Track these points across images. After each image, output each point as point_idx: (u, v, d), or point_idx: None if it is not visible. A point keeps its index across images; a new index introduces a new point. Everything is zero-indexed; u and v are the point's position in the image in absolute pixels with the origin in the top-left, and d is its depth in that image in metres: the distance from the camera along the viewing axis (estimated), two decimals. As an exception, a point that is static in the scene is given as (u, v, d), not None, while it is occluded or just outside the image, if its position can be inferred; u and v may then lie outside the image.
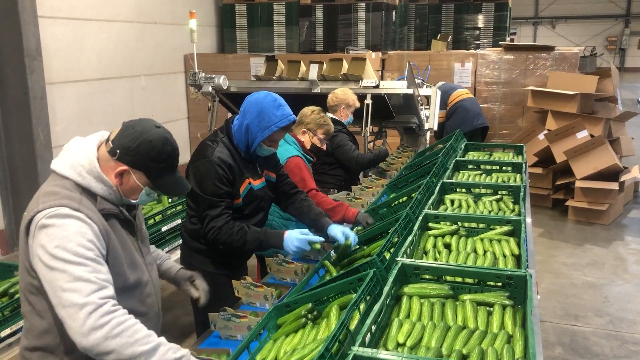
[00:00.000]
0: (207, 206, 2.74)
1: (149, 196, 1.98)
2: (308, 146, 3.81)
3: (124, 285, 1.92)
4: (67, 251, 1.71)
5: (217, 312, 2.25)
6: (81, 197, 1.84)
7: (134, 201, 1.96)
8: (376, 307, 1.91)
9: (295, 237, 2.70)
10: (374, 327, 1.85)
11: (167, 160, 1.91)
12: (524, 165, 4.03)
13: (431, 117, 5.45)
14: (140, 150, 1.86)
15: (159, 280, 2.24)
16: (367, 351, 1.64)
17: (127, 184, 1.91)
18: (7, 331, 2.57)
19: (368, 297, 2.07)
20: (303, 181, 3.44)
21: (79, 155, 1.87)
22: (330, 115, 4.38)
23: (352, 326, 1.89)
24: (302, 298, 2.28)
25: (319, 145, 3.87)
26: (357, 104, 4.69)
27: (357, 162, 4.45)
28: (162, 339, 1.78)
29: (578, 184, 6.86)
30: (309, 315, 2.17)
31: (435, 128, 5.50)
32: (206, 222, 2.76)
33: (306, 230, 2.76)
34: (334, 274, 2.64)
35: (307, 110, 3.88)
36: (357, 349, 1.65)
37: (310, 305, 2.20)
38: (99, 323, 1.65)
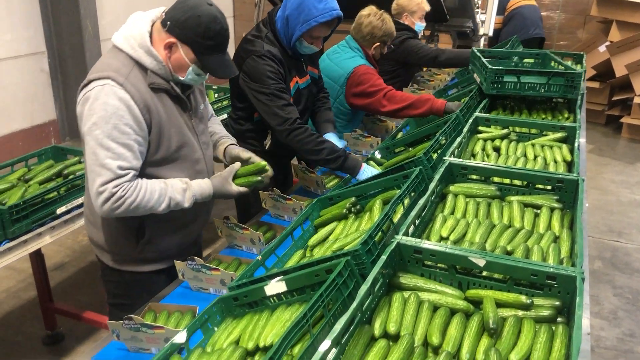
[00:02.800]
0: (273, 104, 2.58)
1: (198, 76, 1.97)
2: (371, 52, 3.51)
3: (170, 159, 2.01)
4: (100, 131, 1.81)
5: (185, 261, 1.99)
6: (131, 70, 1.88)
7: (182, 78, 1.96)
8: (421, 202, 1.91)
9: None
10: (417, 221, 1.85)
11: (214, 38, 1.88)
12: (582, 74, 3.83)
13: (487, 22, 5.19)
14: (188, 23, 1.85)
15: (213, 163, 2.29)
16: (411, 240, 1.65)
17: (175, 58, 1.92)
18: (63, 209, 2.70)
19: (412, 194, 2.06)
20: (376, 86, 3.27)
21: (133, 28, 1.91)
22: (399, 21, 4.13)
23: (395, 219, 1.90)
24: (346, 192, 2.29)
25: (379, 51, 3.56)
26: (426, 8, 4.25)
27: (436, 58, 4.10)
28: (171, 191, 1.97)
29: (637, 100, 6.54)
30: (352, 209, 2.19)
31: (490, 34, 5.25)
32: (277, 123, 2.60)
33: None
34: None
35: (364, 11, 3.53)
36: (400, 238, 1.66)
37: (353, 199, 2.21)
38: (113, 207, 1.86)
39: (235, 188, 2.12)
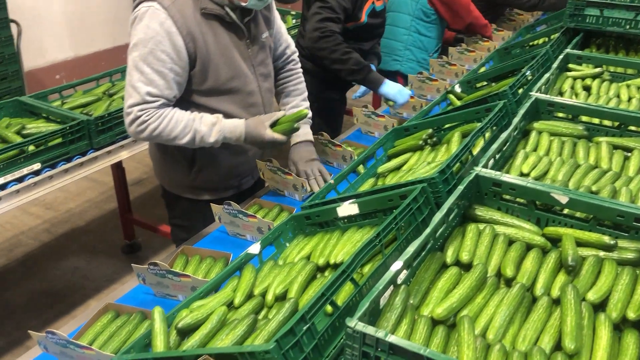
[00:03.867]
0: (321, 11, 2.62)
1: (259, 0, 1.88)
2: None
3: (220, 90, 1.96)
4: (138, 54, 1.81)
5: (222, 205, 1.89)
6: None
7: (244, 4, 1.87)
8: (503, 136, 1.83)
9: (396, 86, 2.64)
10: (497, 156, 1.79)
11: None
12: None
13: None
14: None
15: (272, 96, 2.21)
16: (490, 172, 1.60)
17: None
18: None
19: (494, 128, 1.98)
20: (478, 18, 3.31)
21: None
22: None
23: (475, 152, 1.84)
24: (423, 123, 2.24)
25: None
26: None
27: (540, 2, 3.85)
28: (198, 124, 1.91)
29: None
30: (429, 140, 2.14)
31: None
32: (313, 26, 2.63)
33: None
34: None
35: None
36: (479, 170, 1.61)
37: (430, 130, 2.16)
38: (137, 130, 1.87)
39: (269, 133, 1.93)
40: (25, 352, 1.51)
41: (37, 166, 2.36)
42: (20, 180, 2.32)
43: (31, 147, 2.36)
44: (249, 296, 1.45)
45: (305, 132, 2.24)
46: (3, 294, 3.30)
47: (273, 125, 1.96)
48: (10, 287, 3.36)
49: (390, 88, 2.72)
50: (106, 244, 3.76)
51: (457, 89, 2.81)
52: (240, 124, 1.94)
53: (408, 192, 1.53)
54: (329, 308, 1.26)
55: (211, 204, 1.92)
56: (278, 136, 1.94)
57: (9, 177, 2.27)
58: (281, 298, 1.42)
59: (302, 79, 2.35)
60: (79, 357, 1.38)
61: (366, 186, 2.04)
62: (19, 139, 2.40)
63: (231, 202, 1.85)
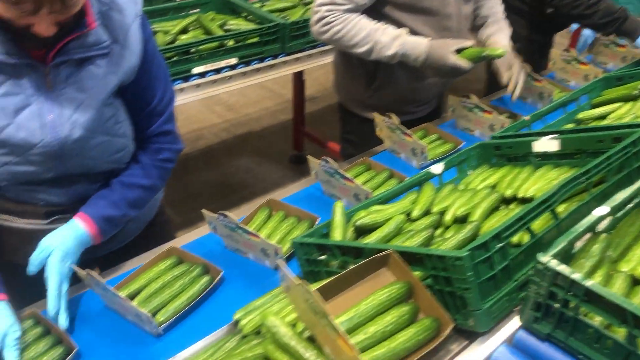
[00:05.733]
0: None
1: None
2: None
3: (415, 6, 1.85)
4: None
5: (320, 160, 1.65)
6: None
7: None
8: None
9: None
10: None
11: None
12: None
13: None
14: None
15: (468, 23, 2.06)
16: None
17: None
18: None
19: None
20: None
21: None
22: None
23: None
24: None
25: None
26: None
27: None
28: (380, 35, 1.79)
29: None
30: (646, 90, 1.88)
31: None
32: None
33: None
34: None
35: None
36: None
37: (651, 79, 1.90)
38: (320, 30, 1.83)
39: (453, 57, 1.75)
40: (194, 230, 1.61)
41: (234, 60, 2.48)
42: (217, 71, 2.46)
43: (230, 42, 2.49)
44: (426, 212, 1.41)
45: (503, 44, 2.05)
46: (184, 178, 3.63)
47: (458, 52, 1.80)
48: (191, 173, 3.69)
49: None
50: (276, 151, 3.95)
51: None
52: (423, 42, 1.81)
53: (624, 135, 1.36)
54: (520, 238, 1.17)
55: (309, 157, 1.72)
56: (463, 63, 1.76)
57: (209, 67, 2.43)
58: (460, 221, 1.36)
59: (504, 13, 2.16)
60: (244, 243, 1.41)
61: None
62: (221, 33, 2.54)
63: (329, 158, 1.61)
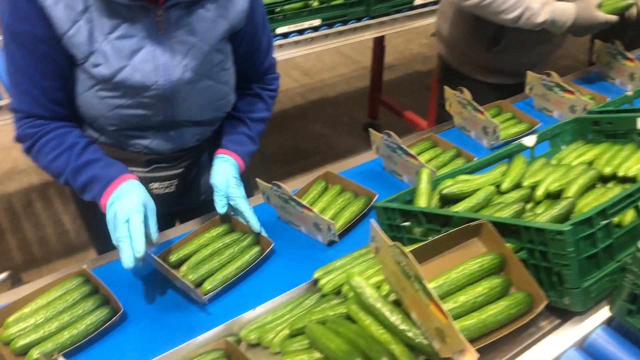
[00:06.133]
0: None
1: None
2: None
3: None
4: None
5: (381, 135, 1.54)
6: None
7: None
8: None
9: None
10: None
11: None
12: None
13: None
14: None
15: None
16: None
17: None
18: (420, 0, 2.70)
19: None
20: None
21: None
22: None
23: None
24: None
25: None
26: None
27: None
28: None
29: None
30: None
31: None
32: None
33: None
34: None
35: None
36: None
37: None
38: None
39: (601, 14, 1.81)
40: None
41: (317, 22, 2.45)
42: (300, 32, 2.44)
43: (315, 3, 2.45)
44: (517, 186, 1.34)
45: None
46: (257, 140, 3.67)
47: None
48: (263, 137, 3.71)
49: None
50: (350, 119, 3.91)
51: None
52: (570, 8, 1.81)
53: None
54: (622, 219, 1.10)
55: (370, 130, 1.62)
56: (610, 17, 1.82)
57: (292, 28, 2.40)
58: (553, 196, 1.29)
59: None
60: (297, 216, 1.35)
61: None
62: (304, -6, 2.51)
63: (391, 132, 1.50)
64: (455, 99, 1.76)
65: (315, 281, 1.18)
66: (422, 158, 1.55)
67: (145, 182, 1.33)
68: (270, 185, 1.33)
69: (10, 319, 1.10)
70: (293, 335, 1.04)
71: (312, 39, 2.47)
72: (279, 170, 3.37)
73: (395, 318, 0.89)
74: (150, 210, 1.15)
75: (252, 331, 1.07)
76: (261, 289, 1.22)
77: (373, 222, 0.89)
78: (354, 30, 2.60)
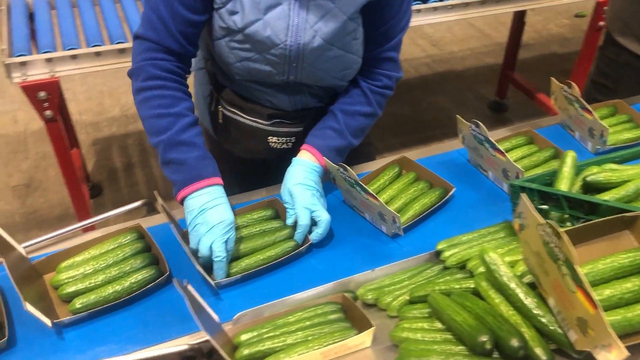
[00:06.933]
0: None
1: None
2: None
3: None
4: None
5: (468, 124, 1.40)
6: None
7: None
8: None
9: None
10: None
11: None
12: None
13: None
14: None
15: None
16: None
17: None
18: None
19: None
20: None
21: None
22: None
23: None
24: None
25: None
26: None
27: None
28: None
29: None
30: None
31: None
32: None
33: None
34: None
35: None
36: None
37: None
38: None
39: None
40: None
41: (461, -11, 2.35)
42: (440, -1, 2.36)
43: (460, -30, 2.34)
44: (673, 182, 1.22)
45: None
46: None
47: None
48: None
49: None
50: (475, 95, 3.77)
51: None
52: None
53: None
54: None
55: (457, 116, 1.46)
56: None
57: (433, -6, 2.33)
58: None
59: None
60: (362, 202, 1.26)
61: None
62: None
63: (479, 123, 1.33)
64: (562, 93, 1.53)
65: (437, 253, 1.15)
66: (514, 155, 1.41)
67: (264, 134, 1.35)
68: (337, 167, 1.24)
69: (63, 264, 1.11)
70: (413, 302, 1.03)
71: (452, 7, 2.38)
72: (393, 140, 3.33)
73: (529, 301, 0.85)
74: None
75: (370, 291, 1.07)
76: (309, 274, 1.15)
77: (524, 197, 0.84)
78: (497, 1, 2.47)
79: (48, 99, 1.94)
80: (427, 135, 3.39)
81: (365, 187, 1.20)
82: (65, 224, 1.97)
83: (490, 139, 1.31)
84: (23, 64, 1.88)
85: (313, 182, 1.24)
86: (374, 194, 1.19)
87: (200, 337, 0.96)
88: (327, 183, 1.35)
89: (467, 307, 0.91)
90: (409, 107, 3.65)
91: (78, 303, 1.03)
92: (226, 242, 1.10)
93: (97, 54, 1.96)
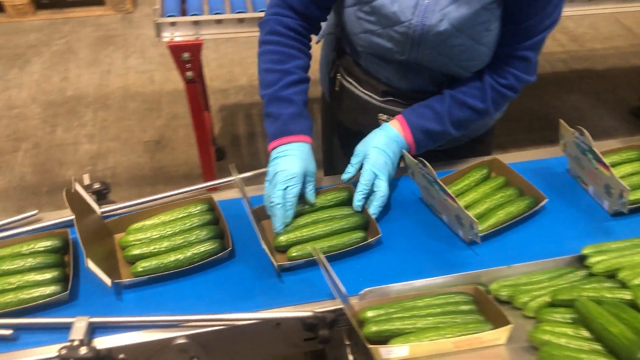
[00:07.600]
0: None
1: None
2: None
3: None
4: None
5: None
6: None
7: None
8: None
9: None
10: None
11: None
12: None
13: None
14: None
15: None
16: None
17: None
18: None
19: None
20: None
21: None
22: None
23: None
24: None
25: None
26: None
27: None
28: None
29: None
30: None
31: None
32: None
33: None
34: None
35: None
36: None
37: None
38: None
39: None
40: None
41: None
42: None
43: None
44: None
45: None
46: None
47: None
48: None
49: None
50: (615, 98, 3.45)
51: None
52: None
53: None
54: None
55: (560, 120, 1.28)
56: None
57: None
58: None
59: None
60: (440, 202, 1.16)
61: None
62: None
63: (585, 130, 1.16)
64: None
65: (580, 258, 1.05)
66: (622, 170, 1.24)
67: (375, 110, 1.34)
68: (416, 162, 1.15)
69: (133, 226, 1.14)
70: (554, 305, 0.98)
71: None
72: (520, 136, 3.11)
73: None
74: (311, 176, 1.17)
75: (505, 287, 1.02)
76: (370, 271, 1.09)
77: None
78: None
79: (191, 60, 2.02)
80: (547, 135, 3.11)
81: (444, 186, 1.11)
82: (190, 182, 2.06)
83: (595, 149, 1.15)
84: (173, 24, 1.99)
85: (391, 152, 1.21)
86: (452, 195, 1.10)
87: (323, 307, 0.99)
88: (407, 178, 1.28)
89: (624, 319, 0.86)
90: (540, 103, 3.39)
91: (140, 267, 1.05)
92: (285, 189, 1.12)
93: (240, 20, 2.04)
